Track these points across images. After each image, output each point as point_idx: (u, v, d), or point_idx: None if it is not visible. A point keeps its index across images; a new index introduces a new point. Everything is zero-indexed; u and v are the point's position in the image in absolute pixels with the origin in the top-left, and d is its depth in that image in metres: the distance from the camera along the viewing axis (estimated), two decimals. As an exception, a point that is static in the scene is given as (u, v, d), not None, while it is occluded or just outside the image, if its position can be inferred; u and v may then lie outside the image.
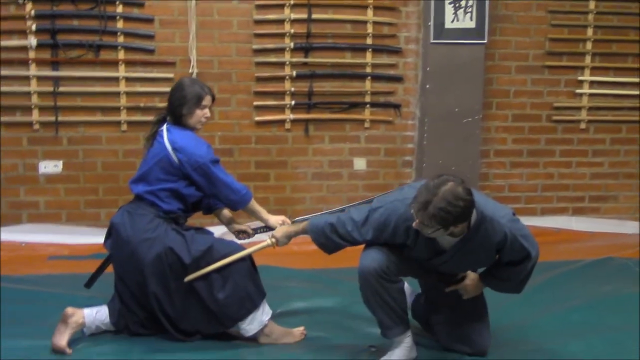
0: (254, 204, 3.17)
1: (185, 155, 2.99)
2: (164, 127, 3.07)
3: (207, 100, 3.09)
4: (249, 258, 3.06)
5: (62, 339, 2.90)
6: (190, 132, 3.08)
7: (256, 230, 3.33)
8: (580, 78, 5.21)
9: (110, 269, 3.17)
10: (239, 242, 3.31)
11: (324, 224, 2.84)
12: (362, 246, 2.85)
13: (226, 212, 3.35)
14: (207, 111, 3.11)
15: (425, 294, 3.14)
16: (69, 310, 2.96)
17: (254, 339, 3.06)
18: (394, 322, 2.82)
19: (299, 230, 2.98)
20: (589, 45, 5.18)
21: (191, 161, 2.99)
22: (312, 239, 2.90)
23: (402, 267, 2.81)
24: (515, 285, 2.83)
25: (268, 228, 3.24)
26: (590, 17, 5.13)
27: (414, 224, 2.52)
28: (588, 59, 5.19)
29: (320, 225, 2.86)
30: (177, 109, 3.05)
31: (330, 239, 2.83)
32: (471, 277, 2.89)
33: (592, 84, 5.24)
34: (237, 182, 3.11)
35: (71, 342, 2.94)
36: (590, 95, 5.24)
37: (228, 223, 3.38)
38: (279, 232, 3.03)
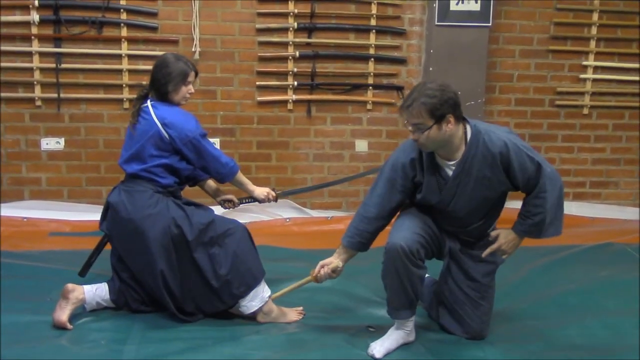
0: (240, 176, 3.26)
1: (175, 131, 3.00)
2: (149, 104, 3.06)
3: (191, 76, 3.10)
4: (248, 237, 3.10)
5: (62, 314, 2.92)
6: (177, 107, 3.10)
7: (241, 200, 3.46)
8: (584, 63, 5.19)
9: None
10: (224, 210, 3.53)
11: (364, 224, 2.84)
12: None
13: (211, 182, 3.42)
14: (191, 87, 3.12)
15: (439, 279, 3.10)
16: (69, 286, 2.98)
17: (253, 318, 3.08)
18: (403, 305, 2.82)
19: (342, 257, 2.91)
20: (593, 30, 5.15)
21: (181, 136, 3.01)
22: (346, 245, 2.88)
23: (430, 247, 2.85)
24: (551, 218, 2.70)
25: (253, 199, 3.41)
26: (596, 1, 5.10)
27: (411, 136, 2.64)
28: (593, 43, 5.17)
29: (357, 229, 2.85)
30: (162, 86, 3.05)
31: (358, 227, 2.84)
32: (503, 234, 2.81)
33: (596, 69, 5.22)
34: (225, 155, 3.17)
35: (72, 318, 2.96)
36: (594, 80, 5.23)
37: (214, 193, 3.46)
38: (330, 269, 2.90)
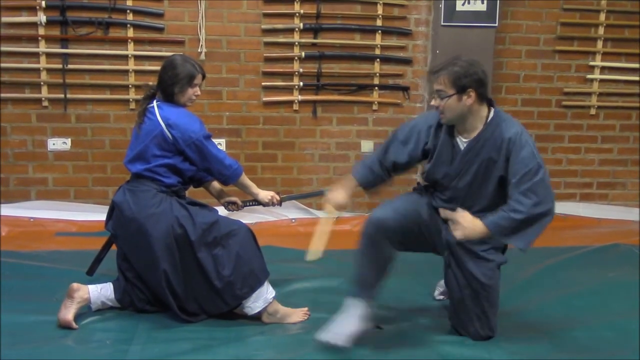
0: (244, 179, 3.25)
1: (179, 132, 3.01)
2: (155, 104, 3.07)
3: (198, 79, 3.11)
4: (252, 237, 3.10)
5: (68, 313, 2.93)
6: (182, 108, 3.11)
7: (245, 203, 3.44)
8: (591, 63, 5.17)
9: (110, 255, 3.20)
10: (227, 212, 3.52)
11: (369, 163, 3.03)
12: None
13: (216, 184, 3.42)
14: (197, 89, 3.13)
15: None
16: (75, 285, 2.99)
17: (258, 319, 3.08)
18: (357, 281, 2.84)
19: (349, 185, 3.02)
20: (600, 30, 5.13)
21: (185, 137, 3.01)
22: (356, 178, 3.02)
23: (412, 234, 2.87)
24: (526, 227, 2.65)
25: (257, 202, 3.39)
26: (603, 1, 5.09)
27: (432, 102, 2.75)
28: (599, 44, 5.15)
29: (365, 166, 3.03)
30: (169, 87, 3.06)
31: (367, 166, 3.01)
32: (471, 216, 2.72)
33: (603, 69, 5.21)
34: (228, 157, 3.17)
35: (77, 318, 2.97)
36: (601, 81, 5.21)
37: (218, 195, 3.45)
38: (333, 202, 2.97)
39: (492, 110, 2.79)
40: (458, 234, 2.70)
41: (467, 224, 2.69)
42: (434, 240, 2.96)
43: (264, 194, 3.38)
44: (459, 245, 2.85)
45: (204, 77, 3.16)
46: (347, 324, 2.80)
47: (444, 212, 2.83)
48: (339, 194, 2.98)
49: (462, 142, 2.81)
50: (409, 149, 2.94)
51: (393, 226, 2.79)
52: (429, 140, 2.89)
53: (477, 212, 2.78)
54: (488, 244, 2.85)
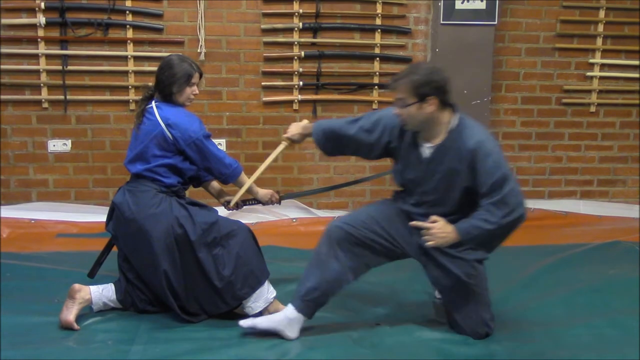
0: (244, 177, 3.27)
1: (179, 131, 3.02)
2: (153, 104, 3.08)
3: (196, 77, 3.12)
4: (252, 238, 3.11)
5: (69, 314, 2.93)
6: (181, 108, 3.12)
7: (245, 202, 3.45)
8: (591, 61, 5.17)
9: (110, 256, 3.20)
10: (228, 211, 3.53)
11: (327, 124, 3.06)
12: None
13: (215, 183, 3.43)
14: (195, 88, 3.14)
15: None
16: (76, 286, 3.00)
17: (259, 318, 3.08)
18: (299, 288, 2.90)
19: (309, 127, 3.12)
20: (600, 28, 5.12)
21: (185, 137, 3.02)
22: (313, 138, 3.09)
23: (369, 243, 2.90)
24: (494, 236, 2.71)
25: (257, 201, 3.41)
26: (603, -1, 5.09)
27: (393, 110, 2.77)
28: (599, 41, 5.14)
29: (323, 125, 3.08)
30: (167, 87, 3.07)
31: (327, 136, 3.04)
32: (443, 222, 2.76)
33: (603, 66, 5.20)
34: (228, 157, 3.18)
35: (78, 319, 2.97)
36: (601, 78, 5.20)
37: (218, 194, 3.46)
38: (293, 130, 3.16)
39: (456, 116, 2.77)
40: (430, 243, 2.76)
41: (438, 232, 2.74)
42: (403, 247, 2.94)
43: (264, 193, 3.39)
44: (434, 248, 2.84)
45: (201, 75, 3.17)
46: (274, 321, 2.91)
47: (415, 224, 2.83)
48: (296, 129, 3.16)
49: (426, 148, 2.81)
50: (373, 139, 2.94)
51: (344, 236, 2.88)
52: (393, 140, 2.90)
53: (446, 215, 2.81)
54: (463, 245, 2.82)
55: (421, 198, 2.88)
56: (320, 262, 2.89)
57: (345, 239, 2.89)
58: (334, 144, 3.06)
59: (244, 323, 2.89)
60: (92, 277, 3.27)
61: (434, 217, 2.78)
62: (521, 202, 2.68)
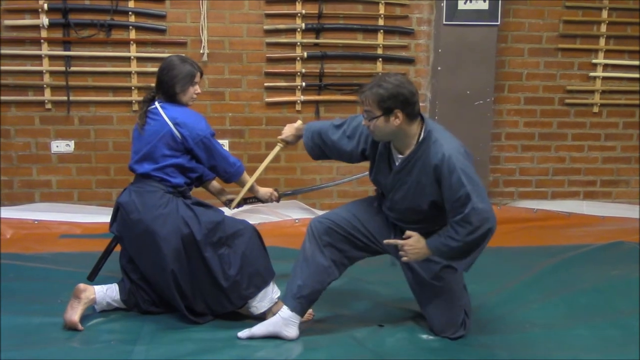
0: (246, 176, 3.34)
1: (187, 130, 3.04)
2: (157, 105, 3.10)
3: (197, 77, 3.15)
4: (258, 237, 3.12)
5: (74, 314, 2.94)
6: (186, 107, 3.14)
7: (246, 200, 3.52)
8: (594, 61, 5.16)
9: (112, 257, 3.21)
10: (231, 211, 3.59)
11: (316, 127, 3.08)
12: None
13: (215, 183, 3.45)
14: (197, 87, 3.17)
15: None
16: (81, 286, 3.01)
17: (262, 319, 3.07)
18: (290, 287, 2.92)
19: (302, 129, 3.17)
20: (603, 28, 5.12)
21: (193, 135, 3.05)
22: (303, 141, 3.13)
23: (350, 240, 2.94)
24: (459, 249, 2.66)
25: (257, 199, 3.50)
26: (606, -1, 5.08)
27: (362, 121, 2.76)
28: (602, 41, 5.14)
29: (313, 127, 3.10)
30: (170, 88, 3.09)
31: (315, 140, 3.07)
32: (415, 238, 2.76)
33: (606, 67, 5.19)
34: (232, 156, 3.24)
35: (82, 319, 2.98)
36: (604, 78, 5.19)
37: (218, 193, 3.48)
38: (287, 132, 3.25)
39: (424, 127, 2.72)
40: (404, 259, 2.79)
41: (410, 249, 2.75)
42: (379, 244, 2.97)
43: (264, 191, 3.47)
44: None
45: (201, 74, 3.19)
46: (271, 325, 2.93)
47: (388, 241, 2.86)
48: (290, 130, 3.25)
49: (397, 158, 2.81)
50: (352, 145, 2.97)
51: (324, 230, 2.92)
52: (367, 148, 2.92)
53: (416, 224, 2.83)
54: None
55: (392, 205, 2.90)
56: (306, 258, 2.92)
57: (326, 234, 2.93)
58: (320, 148, 3.09)
59: (242, 334, 2.91)
60: (92, 280, 3.27)
61: (408, 232, 2.79)
62: (486, 218, 2.58)
